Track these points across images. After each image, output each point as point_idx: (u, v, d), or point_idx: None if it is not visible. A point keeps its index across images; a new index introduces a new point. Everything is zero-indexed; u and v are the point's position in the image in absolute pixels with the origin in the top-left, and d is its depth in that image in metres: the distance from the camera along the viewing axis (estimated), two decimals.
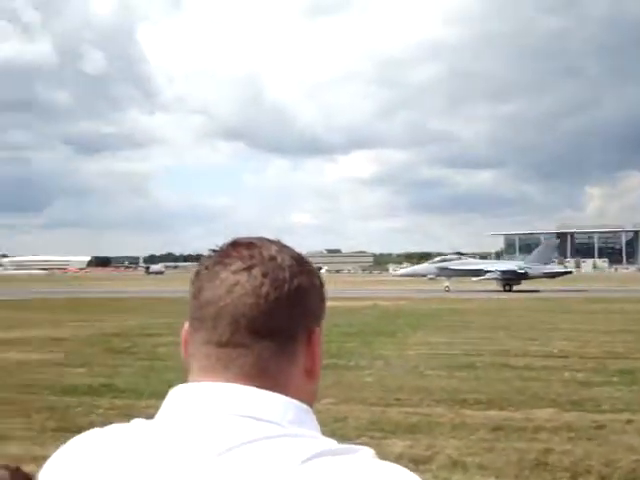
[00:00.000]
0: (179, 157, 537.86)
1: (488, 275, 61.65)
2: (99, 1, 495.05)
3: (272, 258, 1.14)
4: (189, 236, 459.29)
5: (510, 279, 60.99)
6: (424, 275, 67.52)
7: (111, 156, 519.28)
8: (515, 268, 62.81)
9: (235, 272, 1.12)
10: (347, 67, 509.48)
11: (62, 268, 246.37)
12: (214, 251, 1.19)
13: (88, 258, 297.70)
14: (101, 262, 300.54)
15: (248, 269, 1.12)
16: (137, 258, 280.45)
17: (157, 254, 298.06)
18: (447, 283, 60.07)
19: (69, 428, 9.86)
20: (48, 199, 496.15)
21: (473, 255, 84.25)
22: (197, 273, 1.18)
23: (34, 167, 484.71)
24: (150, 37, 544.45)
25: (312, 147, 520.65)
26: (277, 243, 1.19)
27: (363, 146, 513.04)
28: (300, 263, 1.17)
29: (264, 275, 1.12)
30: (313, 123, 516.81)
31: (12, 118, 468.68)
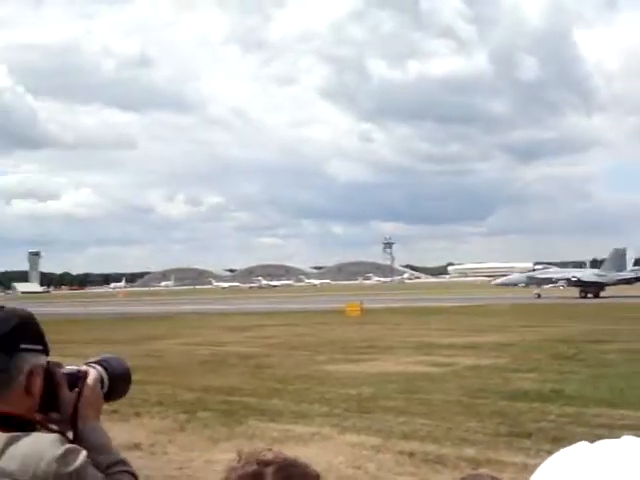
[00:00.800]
0: (619, 157, 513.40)
1: (558, 283, 66.73)
2: (531, 8, 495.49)
3: None
4: (636, 237, 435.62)
5: (584, 287, 63.69)
6: (516, 284, 72.21)
7: (550, 161, 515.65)
8: (579, 276, 65.82)
9: None
10: None
11: (505, 275, 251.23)
12: None
13: (531, 264, 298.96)
14: None
15: None
16: (583, 263, 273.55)
17: (598, 258, 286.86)
18: (537, 290, 64.45)
19: (520, 434, 9.80)
20: (490, 208, 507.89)
21: None
22: None
23: (476, 177, 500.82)
24: (585, 38, 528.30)
25: None
26: None
27: None
28: None
29: None
30: None
31: (454, 131, 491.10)
